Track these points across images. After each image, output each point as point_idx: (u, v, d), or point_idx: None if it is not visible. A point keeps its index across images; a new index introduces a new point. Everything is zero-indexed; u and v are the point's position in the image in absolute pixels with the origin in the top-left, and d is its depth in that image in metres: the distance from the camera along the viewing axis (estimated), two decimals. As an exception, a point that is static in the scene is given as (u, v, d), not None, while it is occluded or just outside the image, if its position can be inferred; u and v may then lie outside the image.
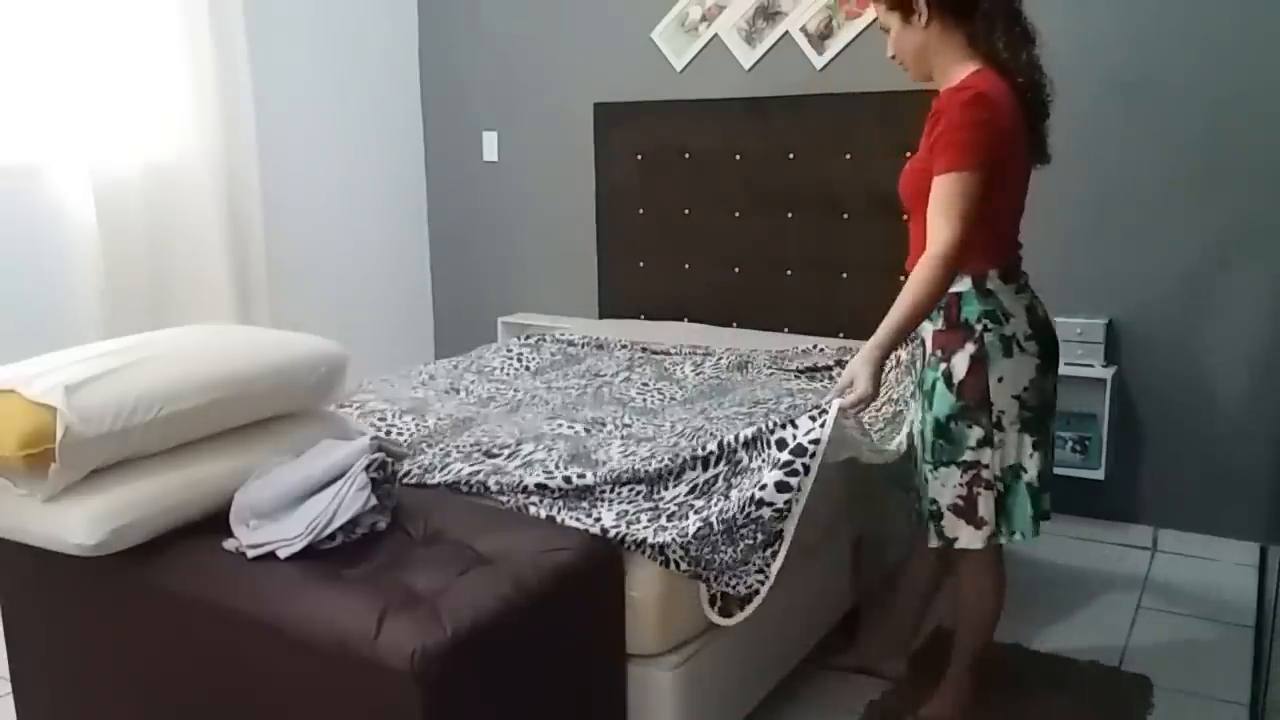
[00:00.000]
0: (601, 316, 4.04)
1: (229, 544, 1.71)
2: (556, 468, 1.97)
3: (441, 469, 2.05)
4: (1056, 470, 3.14)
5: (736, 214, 3.65)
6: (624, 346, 3.26)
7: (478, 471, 2.01)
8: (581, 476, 1.91)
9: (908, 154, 3.25)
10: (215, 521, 1.77)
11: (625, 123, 3.86)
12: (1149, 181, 3.05)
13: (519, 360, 3.11)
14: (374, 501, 1.72)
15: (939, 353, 1.99)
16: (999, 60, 1.94)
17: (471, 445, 2.16)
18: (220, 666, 1.67)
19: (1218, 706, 2.33)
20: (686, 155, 3.71)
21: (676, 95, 3.75)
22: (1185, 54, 2.95)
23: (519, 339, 3.39)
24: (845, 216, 3.41)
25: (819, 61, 3.48)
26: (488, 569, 1.64)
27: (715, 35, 3.68)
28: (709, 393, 2.69)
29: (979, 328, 1.95)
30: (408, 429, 2.31)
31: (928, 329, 2.02)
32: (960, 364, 1.96)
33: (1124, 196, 3.09)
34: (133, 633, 1.79)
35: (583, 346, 3.30)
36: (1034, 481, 2.02)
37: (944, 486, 2.01)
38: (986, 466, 1.98)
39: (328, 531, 1.67)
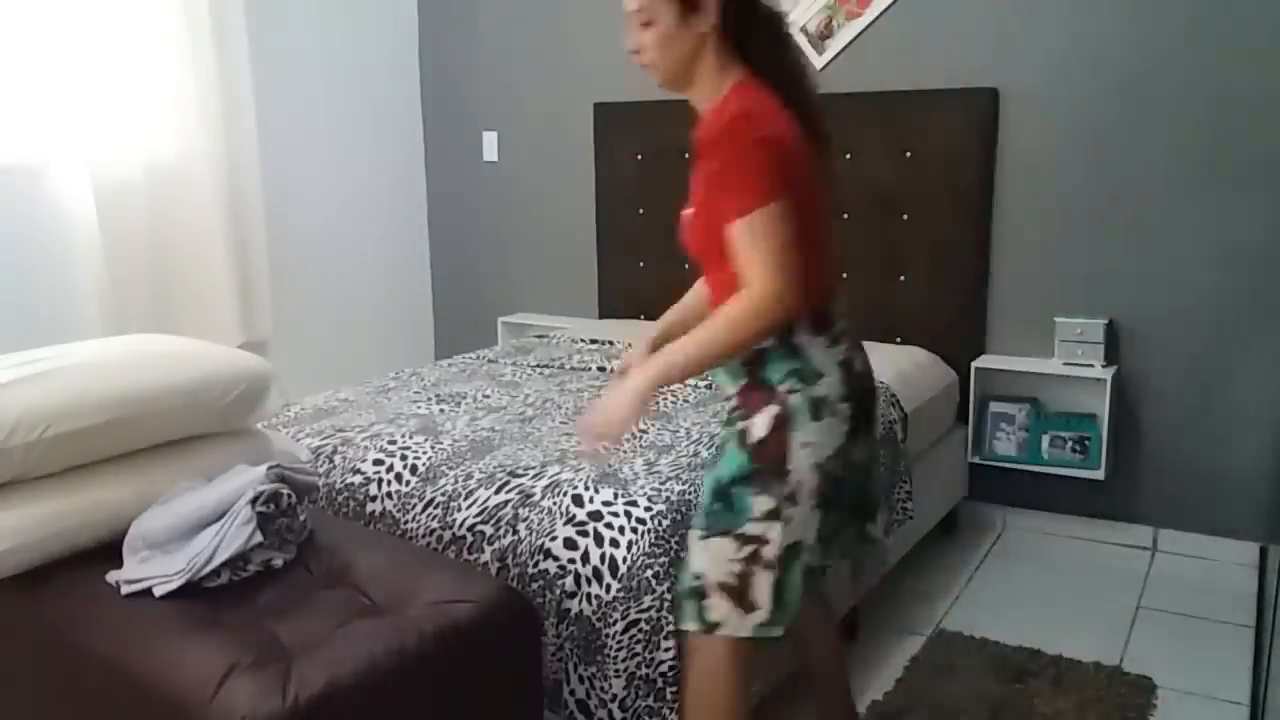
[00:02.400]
0: (601, 316, 4.04)
1: (111, 576, 1.60)
2: (586, 489, 1.97)
3: (466, 497, 2.03)
4: (1057, 470, 3.17)
5: (736, 214, 3.64)
6: (629, 346, 3.27)
7: (505, 504, 1.99)
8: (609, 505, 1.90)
9: (908, 153, 3.31)
10: (113, 549, 1.67)
11: (625, 123, 3.86)
12: (1149, 181, 3.05)
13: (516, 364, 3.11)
14: (258, 538, 1.60)
15: (739, 410, 1.66)
16: (772, 78, 1.65)
17: (495, 467, 2.12)
18: (73, 710, 1.58)
19: (1218, 706, 2.33)
20: (686, 155, 3.70)
21: (676, 95, 3.74)
22: (1185, 54, 2.95)
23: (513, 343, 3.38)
24: (845, 216, 3.41)
25: (819, 61, 3.48)
26: (373, 621, 1.51)
27: (715, 35, 3.67)
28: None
29: (783, 389, 1.62)
30: (424, 453, 2.22)
31: (726, 382, 1.71)
32: (760, 425, 1.62)
33: (1124, 196, 3.09)
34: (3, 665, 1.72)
35: (582, 351, 3.30)
36: (813, 564, 1.68)
37: (714, 560, 1.63)
38: (769, 543, 1.60)
39: (207, 570, 1.56)
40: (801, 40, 3.50)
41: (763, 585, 1.61)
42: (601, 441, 1.67)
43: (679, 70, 1.71)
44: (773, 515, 1.60)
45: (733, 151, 1.55)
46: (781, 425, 1.61)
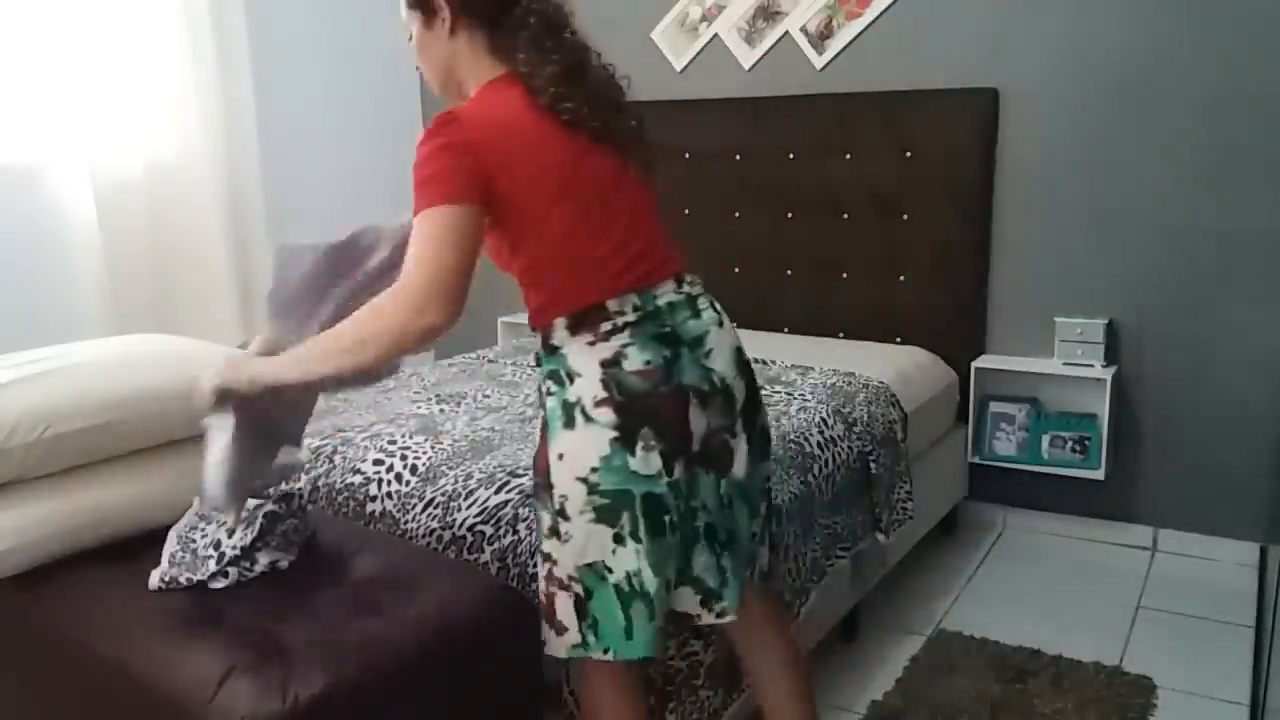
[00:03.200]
0: (602, 316, 4.04)
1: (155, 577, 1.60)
2: None
3: (466, 497, 2.04)
4: (1057, 470, 3.17)
5: (736, 214, 3.65)
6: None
7: (505, 504, 1.99)
8: None
9: (908, 153, 3.31)
10: (114, 549, 1.68)
11: (625, 123, 3.86)
12: (1149, 181, 3.05)
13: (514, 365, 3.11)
14: (258, 542, 1.61)
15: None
16: (525, 76, 1.53)
17: (495, 467, 2.11)
18: (73, 710, 1.58)
19: (1218, 706, 2.33)
20: (686, 155, 3.71)
21: (676, 95, 3.75)
22: (1185, 54, 2.95)
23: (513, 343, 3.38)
24: (845, 216, 3.41)
25: (819, 61, 3.49)
26: (373, 621, 1.50)
27: (715, 35, 3.68)
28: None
29: (542, 390, 1.56)
30: (424, 453, 2.21)
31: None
32: (536, 433, 1.57)
33: (1124, 196, 3.09)
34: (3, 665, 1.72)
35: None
36: (624, 584, 1.50)
37: (538, 578, 1.60)
38: (557, 562, 1.54)
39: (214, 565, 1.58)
40: (802, 40, 3.51)
41: (564, 606, 1.53)
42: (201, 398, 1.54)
43: (444, 78, 1.62)
44: (552, 532, 1.53)
45: (421, 154, 1.45)
46: (542, 434, 1.54)
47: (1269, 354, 2.96)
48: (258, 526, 1.62)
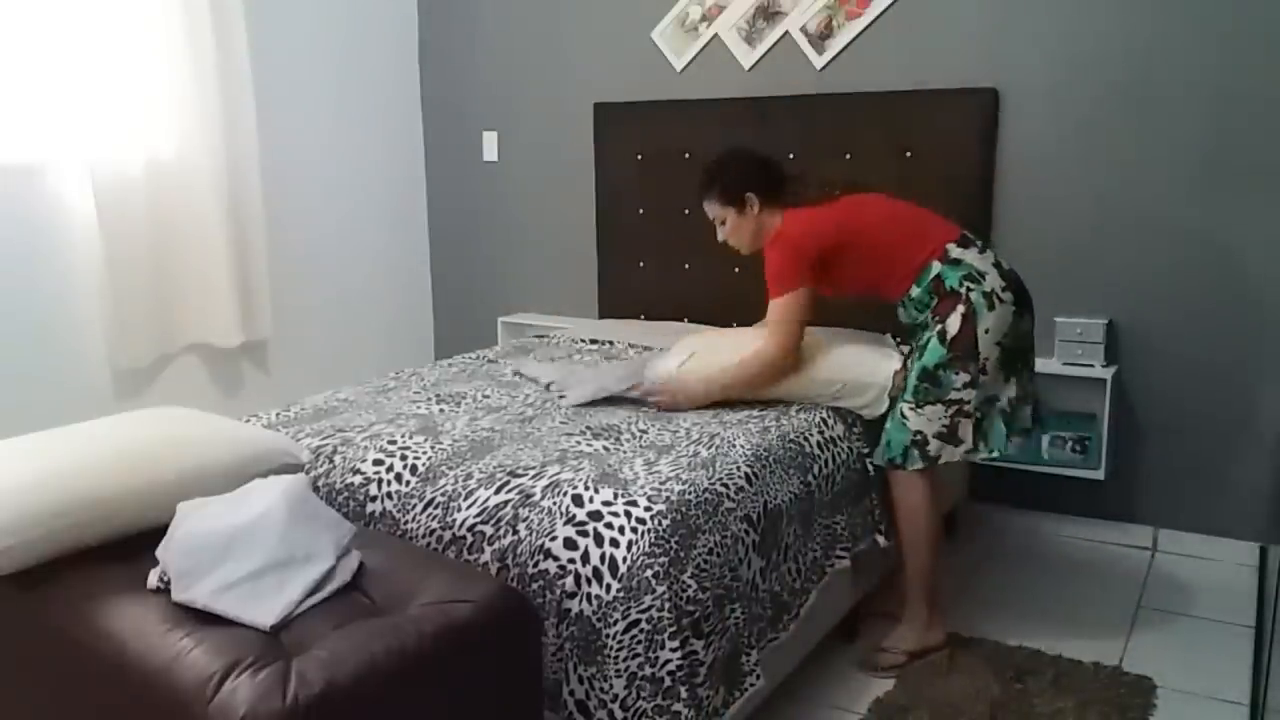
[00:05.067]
0: (601, 316, 4.04)
1: (182, 596, 1.57)
2: (586, 489, 1.97)
3: (465, 497, 2.04)
4: (1056, 470, 3.18)
5: (736, 214, 3.65)
6: (633, 346, 3.28)
7: (505, 504, 2.00)
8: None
9: (908, 153, 3.31)
10: (114, 549, 1.69)
11: (625, 123, 3.86)
12: (1149, 181, 3.05)
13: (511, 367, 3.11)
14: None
15: (935, 317, 2.38)
16: (795, 204, 2.58)
17: (495, 467, 2.12)
18: (73, 709, 1.59)
19: (1218, 706, 2.33)
20: (686, 155, 3.71)
21: (676, 95, 3.75)
22: (1185, 53, 2.96)
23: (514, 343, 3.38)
24: (845, 216, 3.41)
25: (819, 61, 3.49)
26: (373, 621, 1.52)
27: (715, 35, 3.68)
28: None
29: (963, 290, 2.34)
30: (423, 453, 2.22)
31: (920, 317, 2.45)
32: (954, 323, 2.34)
33: (1124, 196, 3.09)
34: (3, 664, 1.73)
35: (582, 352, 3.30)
36: (1007, 407, 2.39)
37: (929, 420, 2.37)
38: (969, 402, 2.35)
39: (297, 611, 1.55)
40: (801, 40, 3.51)
41: (965, 429, 2.36)
42: (665, 403, 2.54)
43: (753, 243, 2.61)
44: (970, 385, 2.34)
45: (771, 261, 2.51)
46: (969, 320, 2.34)
47: (1269, 353, 2.96)
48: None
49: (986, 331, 2.33)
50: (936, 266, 2.39)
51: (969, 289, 2.35)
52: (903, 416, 2.41)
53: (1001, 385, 2.38)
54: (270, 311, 3.70)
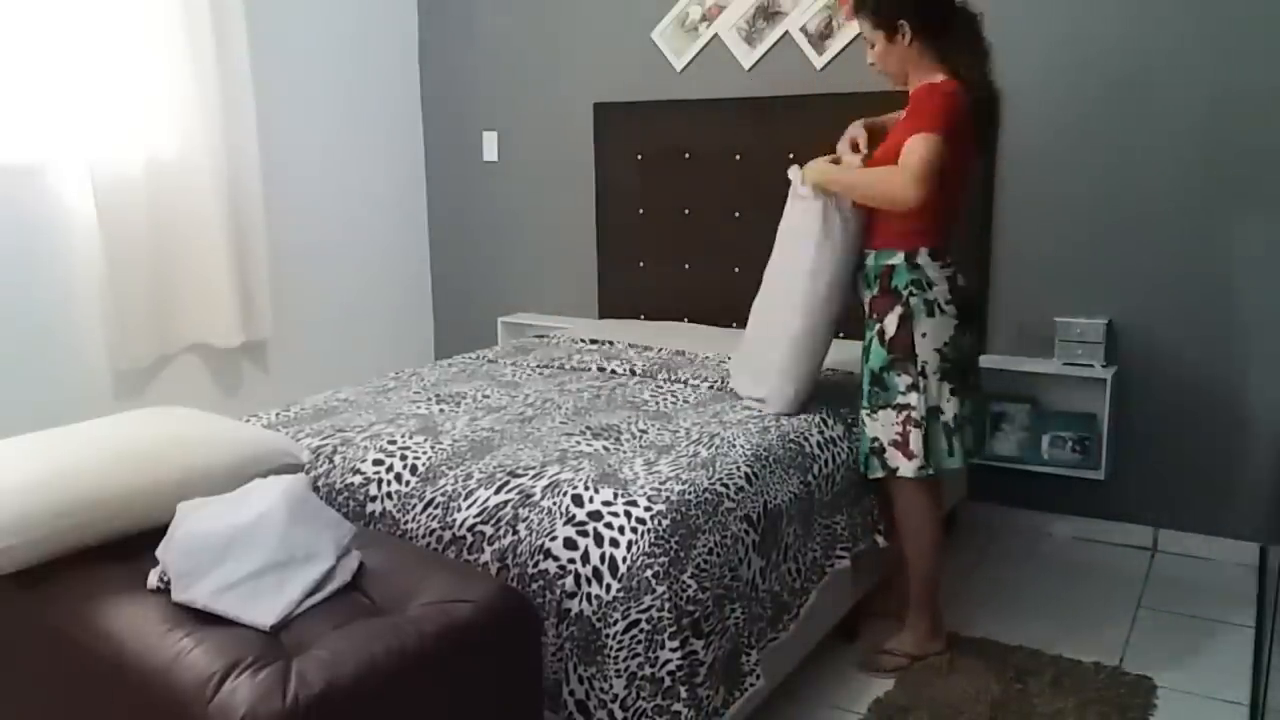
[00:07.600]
0: (601, 316, 4.04)
1: (182, 597, 1.56)
2: (586, 489, 1.97)
3: (465, 497, 2.03)
4: (1056, 470, 3.18)
5: (736, 214, 3.65)
6: (633, 346, 3.28)
7: (505, 504, 1.99)
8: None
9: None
10: (114, 549, 1.69)
11: (625, 123, 3.86)
12: (1149, 181, 3.05)
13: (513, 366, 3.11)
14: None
15: (874, 315, 2.39)
16: (961, 74, 2.32)
17: (495, 467, 2.12)
18: (73, 709, 1.59)
19: (1218, 706, 2.33)
20: (686, 155, 3.71)
21: (676, 95, 3.75)
22: (1185, 53, 2.95)
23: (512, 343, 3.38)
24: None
25: (819, 61, 3.49)
26: (373, 621, 1.52)
27: (715, 35, 3.68)
28: (722, 395, 2.70)
29: (906, 293, 2.33)
30: (423, 453, 2.21)
31: (866, 296, 2.42)
32: (891, 323, 2.34)
33: (1124, 196, 3.09)
34: (4, 662, 1.73)
35: (582, 352, 3.29)
36: (950, 421, 2.35)
37: (883, 426, 2.37)
38: (915, 408, 2.32)
39: (298, 610, 1.55)
40: (801, 40, 3.51)
41: (916, 440, 2.33)
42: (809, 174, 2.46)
43: (900, 78, 2.40)
44: (912, 388, 2.32)
45: (933, 101, 2.27)
46: (906, 322, 2.32)
47: (1269, 353, 2.96)
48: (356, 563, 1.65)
49: (924, 335, 2.31)
50: (899, 258, 2.34)
51: (910, 293, 2.32)
52: (862, 424, 2.42)
53: (946, 399, 2.34)
54: (270, 312, 3.70)
